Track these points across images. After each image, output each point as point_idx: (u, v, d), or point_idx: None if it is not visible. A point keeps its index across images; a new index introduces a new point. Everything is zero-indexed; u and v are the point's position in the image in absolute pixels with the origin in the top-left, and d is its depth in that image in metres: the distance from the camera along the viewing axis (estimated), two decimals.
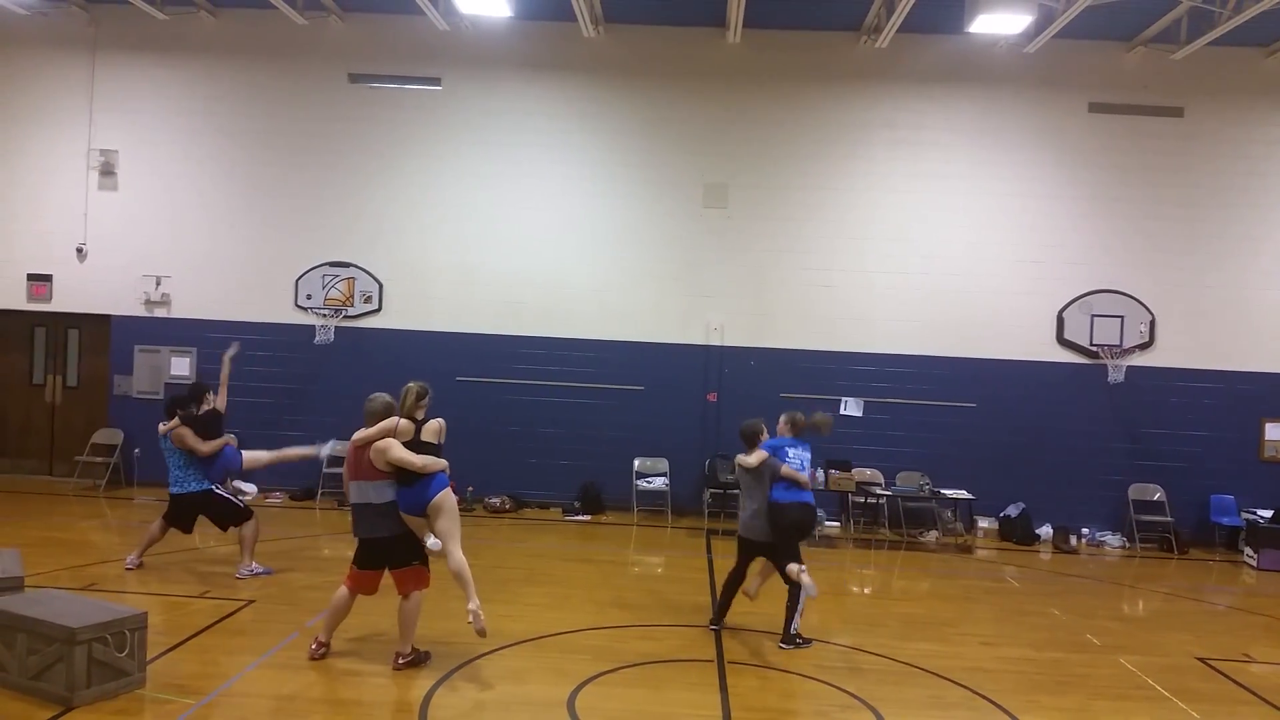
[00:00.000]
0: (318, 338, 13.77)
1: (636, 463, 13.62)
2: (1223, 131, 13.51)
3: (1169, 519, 13.08)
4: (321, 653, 7.05)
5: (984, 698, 6.92)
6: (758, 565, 8.38)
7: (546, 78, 13.85)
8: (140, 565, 9.36)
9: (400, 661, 6.93)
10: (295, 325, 13.85)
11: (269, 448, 9.85)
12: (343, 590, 7.08)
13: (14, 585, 6.88)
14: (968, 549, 12.62)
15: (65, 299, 14.01)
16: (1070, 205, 13.62)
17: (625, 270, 13.80)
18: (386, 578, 7.05)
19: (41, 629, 5.93)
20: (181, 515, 9.27)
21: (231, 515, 9.35)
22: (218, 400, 9.59)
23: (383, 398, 7.05)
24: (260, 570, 9.32)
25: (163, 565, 9.49)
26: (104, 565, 9.38)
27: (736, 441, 13.31)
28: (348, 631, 7.56)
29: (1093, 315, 13.53)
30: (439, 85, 13.88)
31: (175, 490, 9.21)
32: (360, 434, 6.94)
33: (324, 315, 13.82)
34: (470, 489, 13.48)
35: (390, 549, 6.95)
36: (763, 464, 8.03)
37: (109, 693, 5.99)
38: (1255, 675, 7.85)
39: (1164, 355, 13.53)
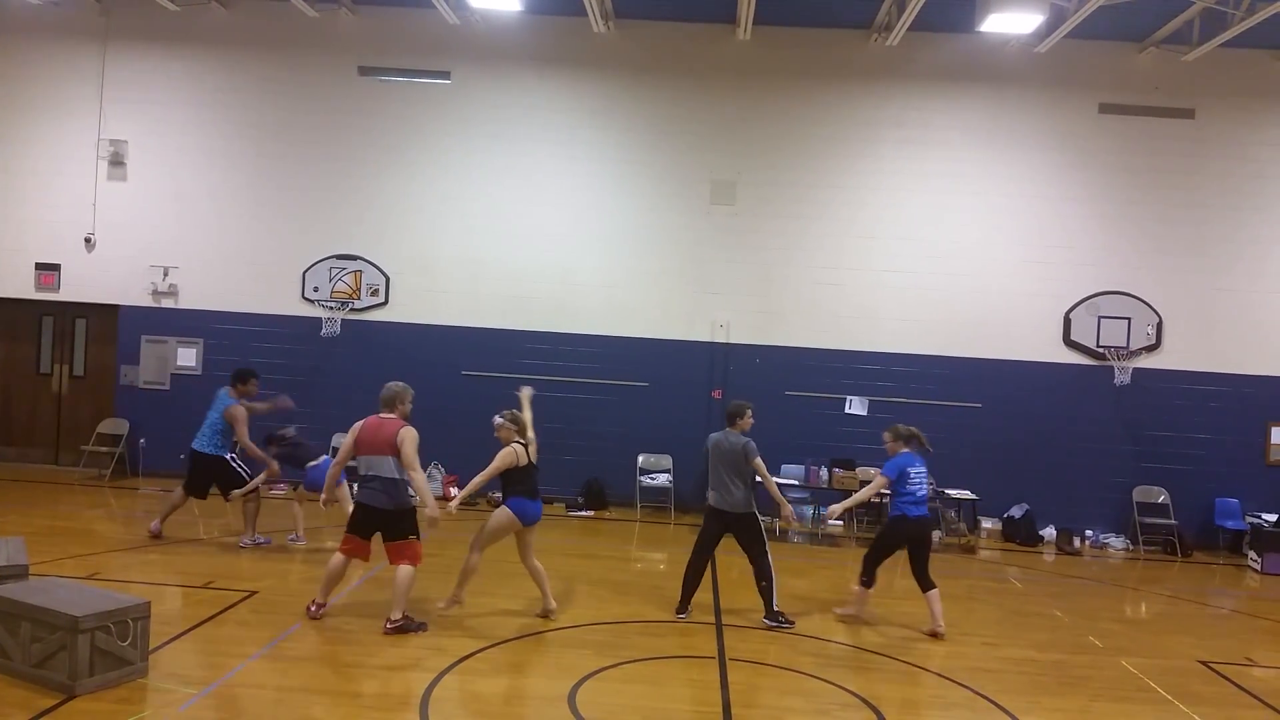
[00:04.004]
0: (324, 330, 13.78)
1: (640, 459, 13.62)
2: (1233, 134, 13.46)
3: (1173, 522, 13.06)
4: (320, 613, 7.70)
5: (986, 698, 6.92)
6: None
7: (556, 73, 13.84)
8: (160, 534, 10.05)
9: (389, 626, 7.46)
10: (302, 317, 13.87)
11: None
12: (338, 556, 7.68)
13: (18, 573, 6.90)
14: (971, 549, 12.60)
15: (73, 288, 14.04)
16: (1079, 206, 13.58)
17: (632, 266, 13.79)
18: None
19: (45, 617, 5.94)
20: (198, 476, 10.03)
21: (237, 485, 10.05)
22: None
23: (399, 384, 7.91)
24: (262, 540, 10.06)
25: (166, 555, 9.53)
26: (108, 554, 9.41)
27: None
28: (350, 625, 7.61)
29: (1099, 317, 13.49)
30: (448, 79, 13.88)
31: (197, 446, 9.98)
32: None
33: (331, 308, 13.84)
34: None
35: (386, 521, 7.54)
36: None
37: (111, 681, 6.00)
38: (1257, 679, 7.83)
39: (1170, 358, 13.49)
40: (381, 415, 7.68)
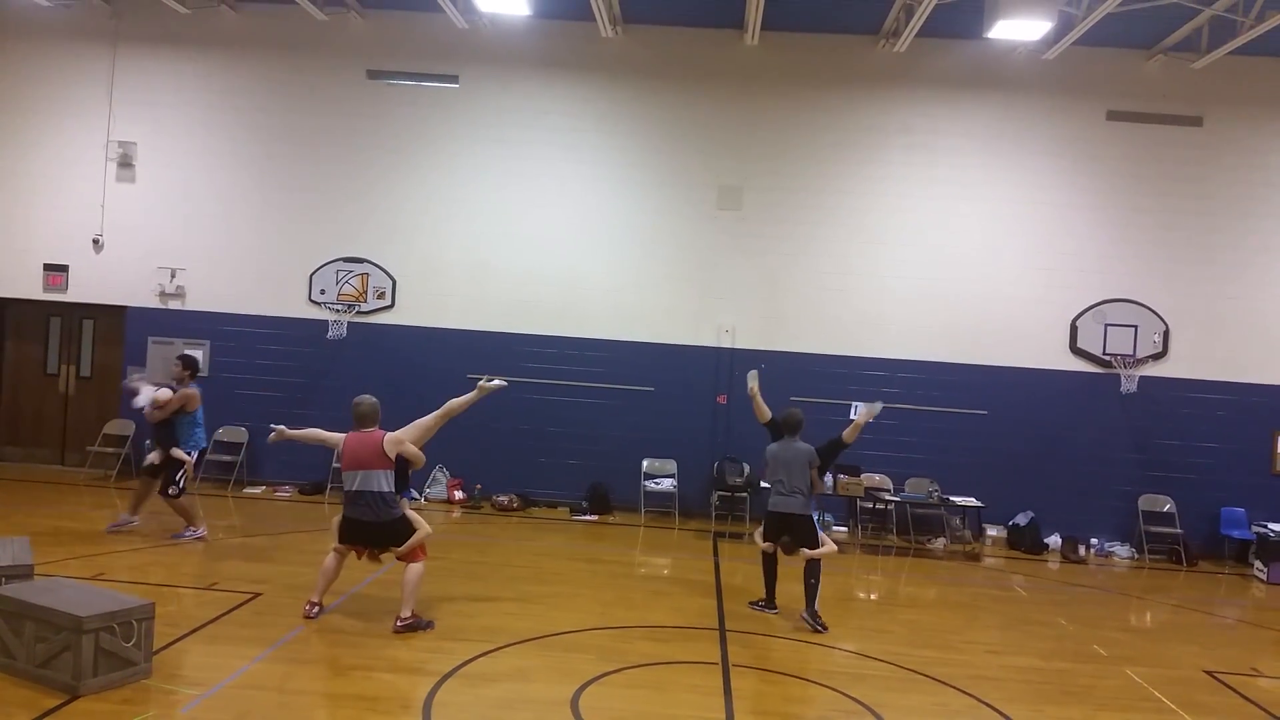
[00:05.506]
0: (331, 333, 13.81)
1: (645, 464, 13.61)
2: (1242, 142, 13.43)
3: (1179, 531, 13.01)
4: (316, 612, 7.77)
5: (989, 706, 6.90)
6: None
7: (564, 77, 13.86)
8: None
9: (399, 624, 7.55)
10: (309, 320, 13.89)
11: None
12: (331, 555, 7.89)
13: (23, 573, 6.93)
14: (976, 557, 12.57)
15: (81, 289, 14.07)
16: (1086, 214, 13.55)
17: (638, 271, 13.80)
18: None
19: (49, 617, 5.96)
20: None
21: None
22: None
23: (372, 399, 8.04)
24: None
25: (170, 556, 9.56)
26: (113, 555, 9.43)
27: (745, 444, 13.31)
28: (354, 627, 7.62)
29: (1106, 324, 13.46)
30: (456, 83, 13.91)
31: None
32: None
33: (337, 311, 13.86)
34: (479, 486, 13.53)
35: (379, 534, 7.73)
36: None
37: (115, 682, 6.01)
38: (1263, 690, 7.80)
39: (1177, 366, 13.45)
40: (363, 430, 7.80)
